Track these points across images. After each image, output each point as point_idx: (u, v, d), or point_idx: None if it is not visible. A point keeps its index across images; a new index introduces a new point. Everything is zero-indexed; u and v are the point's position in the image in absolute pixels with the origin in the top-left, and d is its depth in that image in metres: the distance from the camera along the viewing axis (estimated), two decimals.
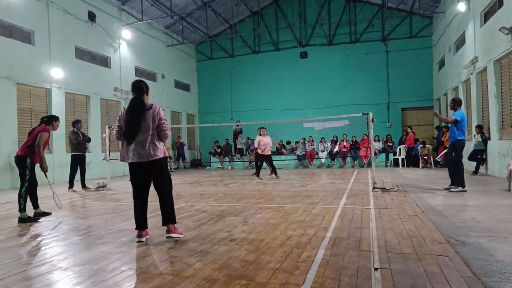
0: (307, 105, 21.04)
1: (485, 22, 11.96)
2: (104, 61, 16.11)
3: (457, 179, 7.92)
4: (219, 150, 20.35)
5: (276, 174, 12.75)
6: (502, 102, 11.06)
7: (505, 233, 4.31)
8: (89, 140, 10.81)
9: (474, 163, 11.82)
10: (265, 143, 12.46)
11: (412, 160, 16.69)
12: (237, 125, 19.76)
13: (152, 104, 4.33)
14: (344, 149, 17.96)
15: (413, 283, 2.82)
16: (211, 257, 3.65)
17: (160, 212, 4.42)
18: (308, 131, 20.38)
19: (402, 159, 16.80)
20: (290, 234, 4.49)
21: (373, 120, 8.71)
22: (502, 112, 11.04)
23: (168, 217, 4.29)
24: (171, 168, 18.57)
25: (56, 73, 13.16)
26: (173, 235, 4.23)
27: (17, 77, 11.79)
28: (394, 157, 17.33)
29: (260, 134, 12.68)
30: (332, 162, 18.26)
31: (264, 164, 13.19)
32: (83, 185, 10.47)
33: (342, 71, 21.05)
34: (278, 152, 19.99)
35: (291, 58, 21.91)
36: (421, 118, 20.44)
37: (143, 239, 4.26)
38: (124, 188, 10.71)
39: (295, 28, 21.11)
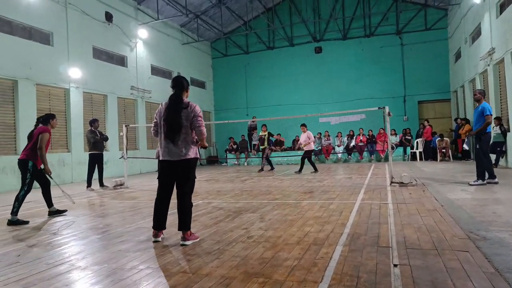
0: (323, 99, 20.90)
1: (501, 13, 11.67)
2: (121, 60, 16.30)
3: (479, 172, 7.76)
4: (235, 146, 20.40)
5: (315, 170, 12.80)
6: None
7: None
8: (106, 138, 10.96)
9: (493, 156, 11.55)
10: (304, 139, 12.67)
11: (430, 154, 16.44)
12: (253, 121, 19.75)
13: (189, 102, 4.24)
14: (361, 144, 17.79)
15: (433, 279, 2.77)
16: (229, 254, 3.66)
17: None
18: (324, 125, 20.24)
19: (420, 152, 16.55)
20: (307, 231, 4.47)
21: (389, 114, 8.60)
22: None
23: (184, 223, 4.17)
24: None
25: (74, 73, 13.38)
26: (187, 242, 4.11)
27: (36, 77, 12.04)
28: (412, 150, 17.08)
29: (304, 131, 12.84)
30: (349, 156, 18.11)
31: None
32: (101, 184, 10.62)
33: (357, 65, 20.80)
34: (293, 147, 19.96)
35: (305, 53, 21.76)
36: (438, 111, 20.07)
37: (159, 239, 4.25)
38: (142, 186, 10.84)
39: (309, 23, 20.94)
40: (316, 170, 12.71)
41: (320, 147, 18.37)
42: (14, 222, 5.70)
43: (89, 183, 10.39)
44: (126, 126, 11.19)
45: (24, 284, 3.09)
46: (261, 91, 22.55)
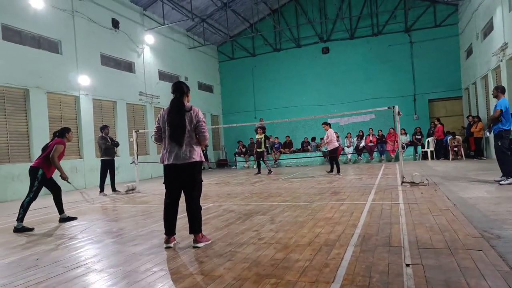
0: (331, 100, 20.85)
1: None
2: (129, 67, 16.47)
3: (504, 170, 7.52)
4: (244, 149, 20.44)
5: (335, 170, 12.35)
6: None
7: None
8: (117, 144, 11.07)
9: None
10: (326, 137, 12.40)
11: (441, 152, 16.29)
12: (261, 124, 19.71)
13: (191, 106, 4.27)
14: (371, 144, 17.69)
15: (447, 279, 2.76)
16: (240, 256, 3.68)
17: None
18: (333, 127, 19.90)
19: (431, 151, 16.41)
20: (318, 232, 4.48)
21: (399, 114, 8.54)
22: None
23: (195, 226, 4.20)
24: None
25: (84, 80, 13.56)
26: (199, 244, 4.15)
27: (47, 86, 12.22)
28: (423, 150, 16.94)
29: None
30: (359, 157, 18.02)
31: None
32: (113, 189, 10.73)
33: (365, 64, 20.73)
34: (303, 149, 19.95)
35: (312, 54, 21.75)
36: (449, 109, 19.87)
37: (171, 244, 4.26)
38: (153, 190, 10.93)
39: (315, 24, 20.95)
40: (338, 171, 12.15)
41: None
42: (19, 229, 5.77)
43: (101, 189, 10.51)
44: (136, 131, 11.29)
45: (43, 287, 3.15)
46: (269, 93, 22.58)
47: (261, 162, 14.70)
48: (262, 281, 2.97)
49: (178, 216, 4.35)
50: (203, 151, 4.44)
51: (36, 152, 11.42)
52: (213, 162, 21.52)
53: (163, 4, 17.23)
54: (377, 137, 17.84)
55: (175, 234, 4.35)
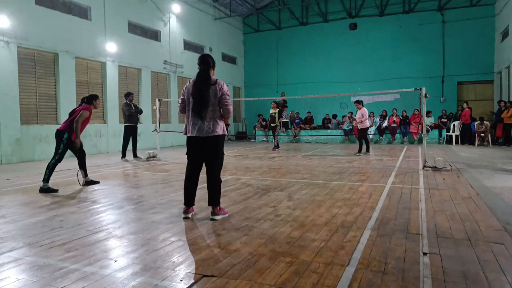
0: (356, 78, 20.41)
1: None
2: (155, 35, 16.44)
3: None
4: (264, 123, 20.38)
5: (367, 150, 12.07)
6: None
7: None
8: (141, 111, 11.20)
9: None
10: (358, 116, 11.89)
11: (467, 137, 15.85)
12: (282, 98, 19.54)
13: (217, 79, 4.26)
14: (394, 125, 17.35)
15: (465, 271, 2.72)
16: (257, 232, 3.73)
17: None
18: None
19: (456, 136, 15.99)
20: (335, 212, 4.48)
21: (426, 96, 8.30)
22: None
23: (214, 198, 4.26)
24: None
25: (111, 47, 13.65)
26: (217, 217, 4.21)
27: (75, 51, 12.37)
28: (448, 133, 16.53)
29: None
30: (381, 137, 17.74)
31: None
32: (135, 155, 10.94)
33: (393, 43, 20.06)
34: (323, 126, 19.76)
35: (340, 30, 21.16)
36: (479, 93, 19.18)
37: (189, 215, 4.33)
38: (173, 159, 11.10)
39: None
40: (368, 150, 11.95)
41: (351, 127, 17.95)
42: (45, 189, 5.97)
43: (123, 154, 10.74)
44: (159, 100, 11.38)
45: (67, 248, 3.29)
46: (293, 68, 22.25)
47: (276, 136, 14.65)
48: (278, 258, 3.00)
49: (198, 187, 4.41)
50: (227, 126, 4.44)
51: (63, 115, 11.70)
52: (232, 135, 21.61)
53: None
54: (401, 118, 17.46)
55: (194, 205, 4.43)
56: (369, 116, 18.26)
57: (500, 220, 4.04)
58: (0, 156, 10.22)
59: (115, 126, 13.80)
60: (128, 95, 10.92)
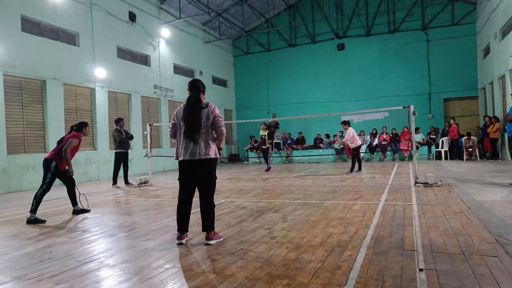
0: (345, 97, 20.71)
1: None
2: (144, 60, 16.57)
3: None
4: (256, 145, 20.40)
5: (359, 168, 12.16)
6: None
7: None
8: (131, 137, 11.17)
9: None
10: (350, 136, 11.91)
11: (456, 153, 16.06)
12: (274, 120, 19.66)
13: (208, 103, 4.29)
14: (384, 142, 17.52)
15: (461, 285, 2.72)
16: (252, 255, 3.68)
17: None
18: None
19: (445, 151, 16.18)
20: (330, 232, 4.46)
21: (414, 113, 8.44)
22: None
23: (207, 223, 4.21)
24: None
25: (100, 72, 13.70)
26: (211, 242, 4.16)
27: (63, 77, 12.38)
28: (437, 149, 16.72)
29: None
30: (372, 155, 17.87)
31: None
32: (126, 181, 10.83)
33: (380, 62, 20.51)
34: (315, 146, 19.86)
35: (328, 50, 21.60)
36: (465, 109, 19.57)
37: (183, 241, 4.26)
38: (165, 184, 11.01)
39: (331, 20, 20.75)
40: (360, 168, 12.06)
41: (342, 146, 18.05)
42: (32, 220, 5.80)
43: (114, 181, 10.62)
44: (150, 125, 11.38)
45: (57, 281, 3.21)
46: (283, 89, 22.52)
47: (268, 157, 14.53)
48: (274, 281, 2.97)
49: (191, 212, 4.37)
50: (219, 149, 4.44)
51: (52, 143, 11.59)
52: (225, 157, 21.59)
53: None
54: (391, 135, 17.66)
55: (187, 231, 4.36)
56: (359, 134, 18.57)
57: (492, 233, 4.07)
58: None
59: (105, 152, 13.71)
60: (119, 121, 10.90)
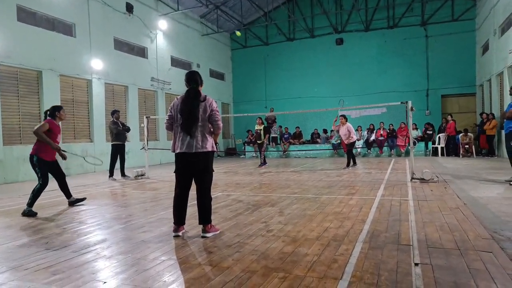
0: (343, 92, 20.64)
1: None
2: (142, 52, 16.47)
3: None
4: (253, 139, 20.39)
5: (354, 163, 12.25)
6: None
7: None
8: (128, 129, 11.13)
9: None
10: (344, 132, 11.96)
11: (452, 149, 16.12)
12: (271, 114, 19.65)
13: (206, 96, 4.27)
14: (381, 138, 17.56)
15: (456, 280, 2.74)
16: (249, 248, 3.69)
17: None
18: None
19: (442, 148, 16.23)
20: (326, 226, 4.47)
21: (412, 109, 8.44)
22: None
23: (205, 216, 4.20)
24: None
25: (96, 64, 13.60)
26: (208, 234, 4.16)
27: (60, 69, 12.28)
28: (433, 146, 16.77)
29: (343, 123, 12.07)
30: (369, 151, 17.90)
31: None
32: (123, 174, 10.82)
33: (379, 57, 20.47)
34: (312, 141, 19.87)
35: (326, 45, 21.53)
36: (462, 105, 19.59)
37: (179, 233, 4.26)
38: (162, 177, 11.00)
39: (330, 15, 20.63)
40: (355, 163, 12.16)
41: (339, 141, 18.09)
42: (26, 213, 5.73)
43: (111, 173, 10.60)
44: (147, 117, 11.34)
45: (53, 271, 3.20)
46: (281, 83, 22.46)
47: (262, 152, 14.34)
48: (270, 274, 2.97)
49: (188, 205, 4.36)
50: (216, 143, 4.42)
51: None
52: (222, 151, 21.57)
53: None
54: (388, 131, 17.68)
55: (184, 223, 4.36)
56: (356, 130, 18.59)
57: (487, 229, 4.09)
58: None
59: (102, 144, 13.66)
60: (114, 112, 10.83)
